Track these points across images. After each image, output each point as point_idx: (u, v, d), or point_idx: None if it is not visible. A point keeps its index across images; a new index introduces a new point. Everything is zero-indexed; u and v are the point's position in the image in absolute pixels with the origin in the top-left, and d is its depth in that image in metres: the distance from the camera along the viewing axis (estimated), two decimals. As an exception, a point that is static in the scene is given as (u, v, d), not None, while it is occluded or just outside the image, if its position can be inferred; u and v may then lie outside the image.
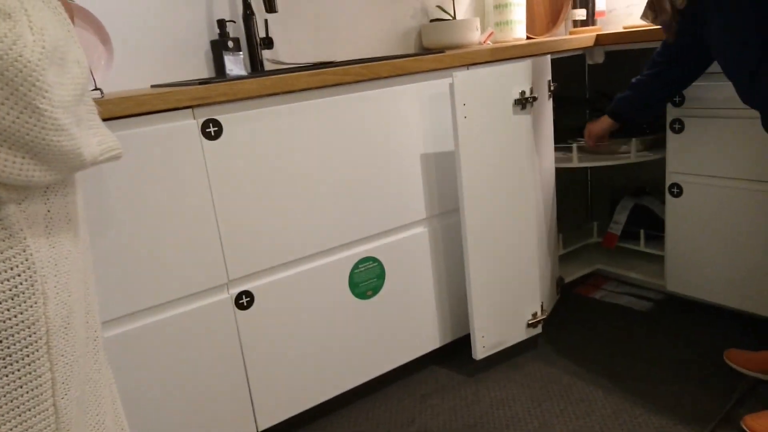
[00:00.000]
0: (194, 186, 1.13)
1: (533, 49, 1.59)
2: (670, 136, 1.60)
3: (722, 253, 1.56)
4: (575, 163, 1.79)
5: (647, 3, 1.32)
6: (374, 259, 1.40)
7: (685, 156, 1.58)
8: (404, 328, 1.48)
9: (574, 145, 1.80)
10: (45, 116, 0.51)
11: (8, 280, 0.53)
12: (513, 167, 1.46)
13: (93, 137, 0.61)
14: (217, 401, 1.22)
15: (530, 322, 1.58)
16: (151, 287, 1.11)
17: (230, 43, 1.49)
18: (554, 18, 2.11)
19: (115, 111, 1.01)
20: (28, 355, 0.55)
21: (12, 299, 0.54)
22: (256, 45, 1.56)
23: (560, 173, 2.17)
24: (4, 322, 0.53)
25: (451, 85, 1.32)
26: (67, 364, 0.59)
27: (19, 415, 0.55)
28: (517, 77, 1.42)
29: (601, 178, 2.28)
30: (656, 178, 2.04)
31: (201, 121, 1.11)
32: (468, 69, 1.47)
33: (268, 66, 1.65)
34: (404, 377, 1.56)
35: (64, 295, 0.59)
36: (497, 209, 1.45)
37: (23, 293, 0.54)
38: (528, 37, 2.03)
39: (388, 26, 1.87)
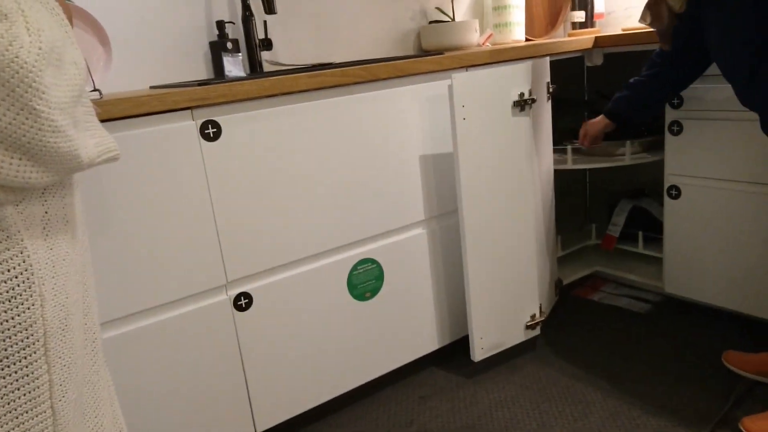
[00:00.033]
0: (193, 187, 1.12)
1: (532, 50, 1.59)
2: (669, 138, 1.60)
3: (720, 255, 1.56)
4: (569, 165, 1.79)
5: (645, 6, 1.33)
6: (373, 261, 1.40)
7: (684, 158, 1.58)
8: (403, 329, 1.48)
9: (569, 147, 1.80)
10: (42, 118, 0.51)
11: (5, 282, 0.53)
12: (512, 169, 1.46)
13: (90, 139, 0.60)
14: (216, 402, 1.22)
15: (529, 323, 1.58)
16: (149, 288, 1.11)
17: (229, 45, 1.49)
18: (553, 20, 2.12)
19: (114, 112, 1.01)
20: (25, 357, 0.55)
21: (9, 301, 0.53)
22: (255, 46, 1.56)
23: (559, 175, 2.17)
24: (1, 324, 0.53)
25: (450, 87, 1.32)
26: (64, 366, 0.59)
27: (17, 417, 0.55)
28: (516, 79, 1.42)
29: (599, 180, 2.28)
30: (655, 180, 2.05)
31: (200, 122, 1.11)
32: (467, 71, 1.47)
33: (267, 67, 1.65)
34: (403, 379, 1.56)
35: (62, 297, 0.59)
36: (496, 211, 1.45)
37: (20, 295, 0.54)
38: (527, 39, 2.03)
39: (387, 28, 1.87)
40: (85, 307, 0.66)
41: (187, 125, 1.10)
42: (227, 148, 1.15)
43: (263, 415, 1.29)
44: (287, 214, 1.25)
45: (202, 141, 1.12)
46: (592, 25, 2.07)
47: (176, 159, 1.10)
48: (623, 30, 1.89)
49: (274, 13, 1.50)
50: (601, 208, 2.28)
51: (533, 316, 1.59)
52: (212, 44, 1.52)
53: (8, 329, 0.54)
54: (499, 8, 1.87)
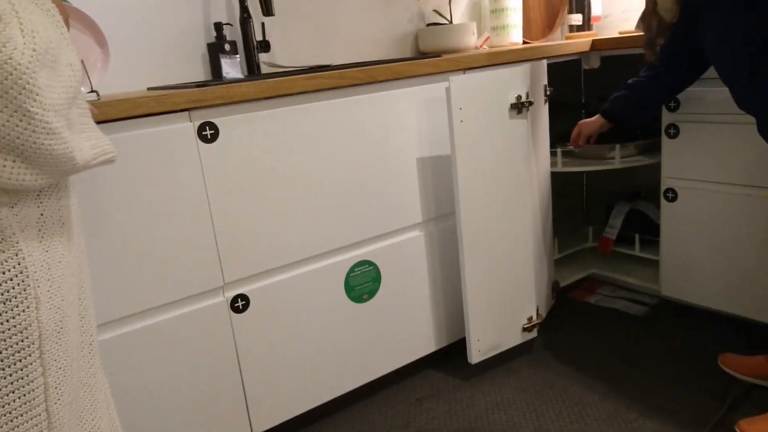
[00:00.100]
0: (190, 189, 1.12)
1: (529, 53, 1.60)
2: (665, 141, 1.61)
3: (717, 258, 1.57)
4: (559, 168, 1.79)
5: (641, 15, 1.33)
6: (370, 263, 1.40)
7: (680, 161, 1.59)
8: (400, 331, 1.48)
9: (559, 150, 1.80)
10: (36, 119, 0.51)
11: (0, 285, 0.53)
12: (509, 171, 1.46)
13: (86, 141, 0.60)
14: (213, 404, 1.22)
15: (525, 326, 1.58)
16: (146, 290, 1.10)
17: (227, 46, 1.49)
18: (550, 23, 2.12)
19: (112, 113, 1.00)
20: (20, 360, 0.55)
21: (4, 303, 0.53)
22: (253, 48, 1.56)
23: (556, 177, 2.17)
24: (-3, 326, 0.53)
25: (448, 90, 1.32)
26: (60, 368, 0.59)
27: (11, 421, 0.55)
28: (513, 82, 1.42)
29: (596, 183, 2.28)
30: (651, 182, 2.05)
31: (197, 123, 1.11)
32: (464, 73, 1.47)
33: (264, 69, 1.65)
34: (400, 381, 1.56)
35: (57, 300, 0.59)
36: (493, 213, 1.45)
37: (15, 297, 0.54)
38: (524, 42, 2.04)
39: (385, 30, 1.87)
40: (81, 310, 0.66)
41: (185, 127, 1.10)
42: (225, 149, 1.15)
43: (260, 416, 1.29)
44: (284, 216, 1.25)
45: (200, 142, 1.12)
46: (589, 28, 2.07)
47: (174, 160, 1.10)
48: (620, 33, 1.90)
49: (272, 15, 1.50)
50: (598, 210, 2.28)
51: (530, 319, 1.59)
52: (210, 46, 1.52)
53: (3, 332, 0.53)
54: (497, 11, 1.88)
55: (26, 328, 0.55)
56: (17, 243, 0.54)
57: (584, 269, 2.00)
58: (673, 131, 1.58)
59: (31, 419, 0.56)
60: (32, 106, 0.50)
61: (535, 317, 1.60)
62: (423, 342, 1.54)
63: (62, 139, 0.54)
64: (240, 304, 1.22)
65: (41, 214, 0.58)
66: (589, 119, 1.62)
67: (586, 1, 2.05)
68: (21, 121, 0.50)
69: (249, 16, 1.54)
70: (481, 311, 1.48)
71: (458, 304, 1.59)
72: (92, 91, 1.11)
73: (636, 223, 1.95)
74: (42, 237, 0.58)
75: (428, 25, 1.94)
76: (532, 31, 2.10)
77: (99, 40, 1.26)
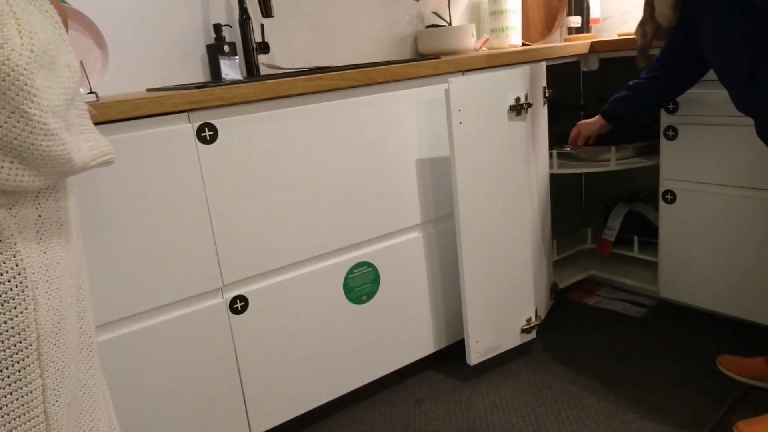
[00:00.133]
0: (189, 190, 1.12)
1: (528, 55, 1.60)
2: (664, 143, 1.61)
3: (715, 260, 1.57)
4: (555, 169, 1.79)
5: (639, 22, 1.34)
6: (369, 264, 1.40)
7: (679, 163, 1.59)
8: (399, 333, 1.48)
9: (554, 152, 1.80)
10: (33, 121, 0.51)
11: (-2, 286, 0.53)
12: (508, 173, 1.47)
13: (84, 142, 0.60)
14: (211, 405, 1.22)
15: (524, 327, 1.58)
16: (145, 291, 1.10)
17: (226, 48, 1.50)
18: (549, 25, 2.13)
19: (111, 114, 1.00)
20: (18, 362, 0.55)
21: (2, 305, 0.53)
22: (252, 49, 1.56)
23: (555, 179, 2.18)
24: (-5, 327, 0.53)
25: (447, 91, 1.33)
26: (58, 370, 0.59)
27: (9, 423, 0.55)
28: (512, 83, 1.42)
29: (595, 185, 2.28)
30: (650, 184, 2.05)
31: (196, 125, 1.11)
32: (463, 75, 1.47)
33: (263, 70, 1.65)
34: (398, 382, 1.56)
35: (56, 301, 0.59)
36: (492, 215, 1.46)
37: (13, 299, 0.54)
38: (523, 44, 2.04)
39: (384, 32, 1.87)
40: (80, 311, 0.66)
41: (184, 128, 1.10)
42: (224, 151, 1.15)
43: (258, 418, 1.29)
44: (283, 218, 1.25)
45: (199, 144, 1.12)
46: (588, 30, 2.08)
47: (173, 162, 1.10)
48: (619, 35, 1.90)
49: (272, 16, 1.50)
50: (597, 212, 2.28)
51: (529, 320, 1.59)
52: (209, 47, 1.52)
53: (1, 333, 0.53)
54: (496, 13, 1.88)
55: (24, 330, 0.55)
56: (15, 244, 0.54)
57: (583, 271, 2.01)
58: (672, 133, 1.59)
59: (29, 421, 0.56)
60: (30, 108, 0.50)
61: (533, 319, 1.60)
62: (422, 343, 1.54)
63: (60, 140, 0.54)
64: (239, 305, 1.22)
65: (39, 216, 0.58)
66: (588, 120, 1.62)
67: (584, 4, 2.06)
68: (18, 122, 0.50)
69: (248, 18, 1.54)
70: (479, 313, 1.48)
71: (457, 306, 1.59)
72: (91, 92, 1.11)
73: (635, 224, 1.95)
74: (40, 238, 0.58)
75: (427, 26, 1.94)
76: (531, 33, 2.10)
77: (98, 41, 1.26)
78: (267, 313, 1.26)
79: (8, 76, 0.48)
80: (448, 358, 1.65)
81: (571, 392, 1.44)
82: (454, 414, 1.41)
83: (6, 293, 0.53)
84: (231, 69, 1.50)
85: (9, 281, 0.54)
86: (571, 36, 2.03)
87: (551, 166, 1.80)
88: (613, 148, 1.72)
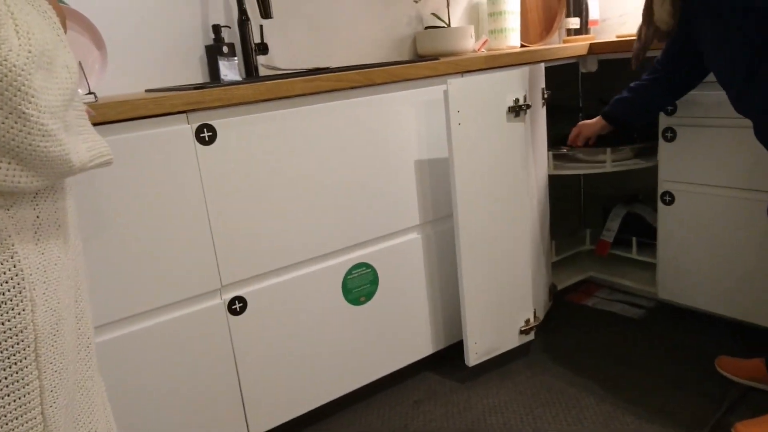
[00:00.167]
0: (188, 191, 1.12)
1: (527, 57, 1.60)
2: (663, 145, 1.61)
3: (713, 261, 1.57)
4: (550, 171, 1.79)
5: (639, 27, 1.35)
6: (368, 265, 1.40)
7: (677, 164, 1.59)
8: (397, 334, 1.48)
9: (550, 153, 1.80)
10: (31, 121, 0.51)
11: (-4, 287, 0.53)
12: (507, 174, 1.47)
13: (82, 143, 0.60)
14: (210, 406, 1.22)
15: (523, 328, 1.58)
16: (144, 292, 1.10)
17: (225, 49, 1.50)
18: (548, 26, 2.13)
19: (109, 115, 1.00)
20: (15, 363, 0.54)
21: None
22: (251, 50, 1.56)
23: (553, 180, 2.18)
24: (-8, 329, 0.53)
25: (446, 92, 1.33)
26: (55, 371, 0.59)
27: (6, 424, 0.55)
28: (511, 85, 1.42)
29: (594, 186, 2.29)
30: (648, 186, 2.06)
31: (195, 126, 1.11)
32: (462, 76, 1.47)
33: (262, 71, 1.65)
34: (397, 383, 1.56)
35: (53, 302, 0.58)
36: (491, 216, 1.46)
37: (11, 300, 0.54)
38: (522, 45, 2.04)
39: (383, 33, 1.88)
40: (78, 312, 0.66)
41: (183, 129, 1.10)
42: (223, 152, 1.15)
43: (256, 419, 1.28)
44: (282, 219, 1.25)
45: (198, 145, 1.12)
46: (587, 31, 2.08)
47: (171, 163, 1.10)
48: (617, 37, 1.91)
49: (270, 17, 1.50)
50: (596, 213, 2.29)
51: (527, 321, 1.59)
52: (208, 48, 1.52)
53: (-2, 334, 0.53)
54: (495, 14, 1.88)
55: (22, 331, 0.55)
56: (13, 245, 0.54)
57: (581, 272, 2.01)
58: (671, 134, 1.59)
59: (27, 422, 0.56)
60: (27, 108, 0.50)
61: (532, 320, 1.60)
62: (420, 344, 1.54)
63: (58, 141, 0.54)
64: (237, 306, 1.22)
65: (37, 217, 0.58)
66: (589, 120, 1.63)
67: (583, 5, 2.06)
68: (16, 123, 0.50)
69: (247, 19, 1.54)
70: (478, 314, 1.48)
71: (456, 307, 1.59)
72: (90, 93, 1.11)
73: (633, 226, 1.95)
74: (38, 239, 0.57)
75: (426, 28, 1.94)
76: (530, 35, 2.11)
77: (97, 41, 1.26)
78: (265, 314, 1.26)
79: (6, 76, 0.48)
80: (447, 359, 1.65)
81: (570, 393, 1.44)
82: (452, 415, 1.41)
83: (3, 294, 0.53)
84: (230, 70, 1.50)
85: (6, 282, 0.53)
86: (569, 37, 2.03)
87: (548, 167, 1.80)
88: (608, 150, 1.72)
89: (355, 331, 1.40)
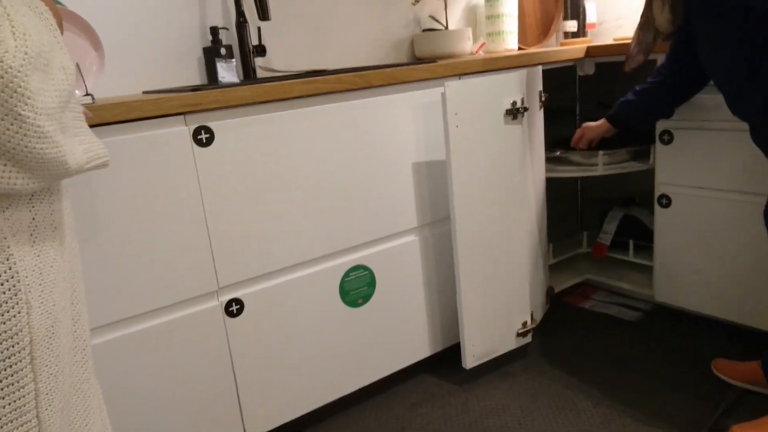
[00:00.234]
0: (185, 193, 1.12)
1: (525, 59, 1.60)
2: (660, 147, 1.62)
3: (710, 264, 1.57)
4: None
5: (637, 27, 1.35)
6: (365, 268, 1.40)
7: (674, 167, 1.59)
8: (394, 336, 1.48)
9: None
10: (27, 123, 0.50)
11: (-9, 289, 0.53)
12: (504, 177, 1.47)
13: (79, 145, 0.60)
14: (206, 409, 1.21)
15: (520, 331, 1.58)
16: (141, 294, 1.10)
17: (223, 50, 1.49)
18: (546, 29, 2.13)
19: (107, 117, 1.00)
20: (10, 366, 0.54)
21: (-5, 309, 0.53)
22: (249, 52, 1.56)
23: (550, 183, 2.18)
24: (-13, 331, 0.53)
25: (443, 95, 1.33)
26: (51, 374, 0.59)
27: (1, 428, 0.54)
28: (508, 87, 1.43)
29: (591, 189, 2.29)
30: (645, 188, 2.06)
31: (193, 127, 1.11)
32: (460, 79, 1.48)
33: (260, 73, 1.65)
34: (394, 385, 1.56)
35: (49, 305, 0.58)
36: (488, 218, 1.46)
37: (6, 302, 0.53)
38: (520, 48, 2.05)
39: (380, 35, 1.88)
40: (74, 314, 0.66)
41: (180, 130, 1.10)
42: (220, 153, 1.15)
43: (254, 421, 1.28)
44: (279, 221, 1.25)
45: (195, 146, 1.12)
46: (584, 34, 2.09)
47: (168, 164, 1.09)
48: (615, 40, 1.91)
49: (268, 19, 1.50)
50: (593, 216, 2.29)
51: (525, 324, 1.59)
52: (206, 50, 1.52)
53: (-6, 337, 0.53)
54: (492, 17, 1.89)
55: (17, 334, 0.54)
56: (8, 247, 0.54)
57: (578, 275, 2.01)
58: (667, 137, 1.59)
59: (22, 425, 0.56)
60: (24, 110, 0.50)
61: (529, 322, 1.60)
62: (417, 347, 1.54)
63: (54, 142, 0.54)
64: (234, 308, 1.21)
65: (33, 219, 0.58)
66: (593, 123, 1.63)
67: (581, 8, 2.07)
68: (12, 124, 0.50)
69: (245, 21, 1.54)
70: (475, 316, 1.48)
71: (453, 309, 1.59)
72: (87, 95, 1.11)
73: (630, 228, 1.96)
74: (34, 241, 0.57)
75: (424, 30, 1.94)
76: (528, 38, 2.11)
77: (94, 43, 1.25)
78: (262, 317, 1.25)
79: (2, 78, 0.48)
80: (444, 361, 1.65)
81: (567, 396, 1.44)
82: (449, 417, 1.41)
83: (-1, 297, 0.53)
84: (227, 72, 1.50)
85: (2, 284, 0.53)
86: (567, 40, 2.04)
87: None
88: (600, 153, 1.72)
89: (352, 333, 1.40)
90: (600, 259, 2.07)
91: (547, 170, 1.79)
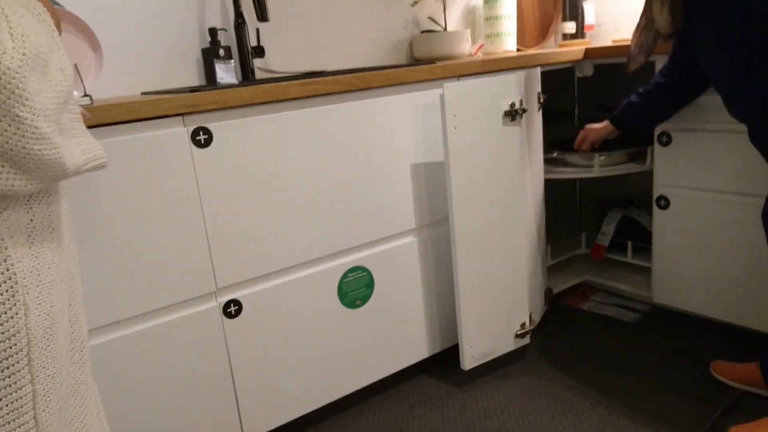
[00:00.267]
0: (184, 194, 1.12)
1: (523, 61, 1.61)
2: (658, 149, 1.62)
3: (708, 266, 1.58)
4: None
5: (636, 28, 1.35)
6: (363, 269, 1.40)
7: (673, 169, 1.60)
8: (393, 337, 1.48)
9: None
10: (25, 124, 0.50)
11: (-11, 291, 0.53)
12: (503, 178, 1.47)
13: (77, 146, 0.60)
14: (204, 410, 1.21)
15: (518, 332, 1.58)
16: (139, 295, 1.10)
17: (221, 52, 1.49)
18: (544, 31, 2.14)
19: (105, 118, 1.00)
20: (8, 368, 0.54)
21: (-8, 310, 0.53)
22: (248, 53, 1.56)
23: (549, 184, 2.18)
24: (-16, 333, 0.52)
25: (442, 96, 1.33)
26: (48, 376, 0.58)
27: (-2, 429, 0.54)
28: (507, 89, 1.43)
29: (589, 190, 2.29)
30: (644, 190, 2.06)
31: (191, 128, 1.11)
32: (458, 80, 1.48)
33: (259, 75, 1.65)
34: (392, 387, 1.56)
35: (47, 306, 0.58)
36: (487, 220, 1.46)
37: (3, 304, 0.53)
38: (518, 50, 2.05)
39: (379, 37, 1.88)
40: (71, 316, 0.66)
41: (179, 131, 1.10)
42: (218, 154, 1.15)
43: (252, 422, 1.28)
44: (278, 222, 1.25)
45: (194, 147, 1.12)
46: (583, 36, 2.09)
47: (167, 165, 1.09)
48: (613, 41, 1.92)
49: (267, 20, 1.50)
50: (591, 217, 2.29)
51: (523, 325, 1.59)
52: (204, 51, 1.52)
53: (-9, 338, 0.53)
54: (491, 19, 1.89)
55: (14, 335, 0.54)
56: (6, 249, 0.54)
57: (577, 276, 2.01)
58: (666, 139, 1.59)
59: (19, 427, 0.55)
60: (21, 111, 0.50)
61: (528, 324, 1.60)
62: (416, 348, 1.54)
63: (52, 144, 0.54)
64: (232, 309, 1.21)
65: (31, 220, 0.57)
66: (596, 125, 1.63)
67: (579, 10, 2.07)
68: (10, 126, 0.49)
69: (244, 22, 1.54)
70: (474, 318, 1.48)
71: (451, 311, 1.59)
72: (86, 96, 1.11)
73: (628, 230, 1.96)
74: (31, 243, 0.57)
75: (423, 32, 1.95)
76: (526, 39, 2.11)
77: (93, 44, 1.25)
78: (261, 318, 1.25)
79: None
80: (443, 362, 1.64)
81: (565, 397, 1.44)
82: (447, 419, 1.40)
83: (-4, 298, 0.53)
84: (226, 73, 1.50)
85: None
86: (565, 42, 2.04)
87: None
88: (596, 155, 1.72)
89: (351, 334, 1.40)
90: (598, 260, 2.07)
91: (545, 171, 1.80)
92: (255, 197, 1.20)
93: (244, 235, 1.20)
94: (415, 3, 1.92)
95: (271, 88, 1.17)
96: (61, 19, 0.79)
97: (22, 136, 0.51)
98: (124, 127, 1.04)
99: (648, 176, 1.74)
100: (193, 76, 1.55)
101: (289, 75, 1.62)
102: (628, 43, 1.72)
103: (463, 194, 1.40)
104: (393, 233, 1.44)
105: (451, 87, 1.33)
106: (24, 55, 0.50)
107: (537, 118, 1.63)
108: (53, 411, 0.59)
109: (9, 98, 0.49)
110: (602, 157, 1.73)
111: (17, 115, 0.49)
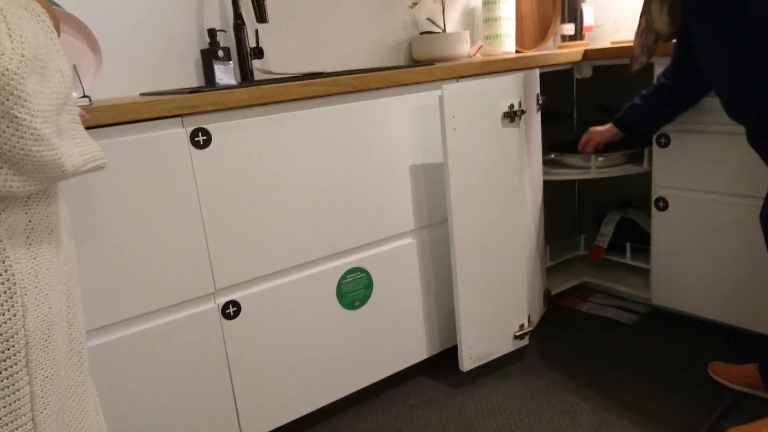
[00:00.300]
0: (182, 195, 1.12)
1: (522, 62, 1.61)
2: (657, 151, 1.62)
3: (707, 267, 1.58)
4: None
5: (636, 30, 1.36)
6: (362, 270, 1.40)
7: (671, 170, 1.60)
8: (392, 338, 1.48)
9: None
10: (24, 126, 0.50)
11: (-13, 292, 0.52)
12: (501, 179, 1.47)
13: (75, 147, 0.60)
14: (203, 411, 1.21)
15: (517, 333, 1.58)
16: (137, 296, 1.10)
17: (220, 53, 1.50)
18: (543, 32, 2.14)
19: (104, 119, 1.00)
20: (6, 369, 0.54)
21: (-10, 311, 0.53)
22: (247, 54, 1.56)
23: (548, 186, 2.19)
24: (-17, 334, 0.52)
25: (441, 98, 1.33)
26: (47, 377, 0.58)
27: (-4, 430, 0.54)
28: (506, 90, 1.43)
29: (588, 192, 2.30)
30: (642, 191, 2.07)
31: (190, 130, 1.11)
32: (457, 81, 1.48)
33: (258, 76, 1.65)
34: (391, 388, 1.56)
35: (45, 307, 0.58)
36: (485, 221, 1.46)
37: (2, 305, 0.53)
38: (517, 51, 2.05)
39: (378, 38, 1.88)
40: (70, 317, 0.66)
41: (177, 133, 1.10)
42: (217, 156, 1.15)
43: (250, 423, 1.28)
44: (277, 223, 1.25)
45: (192, 149, 1.12)
46: (582, 37, 2.09)
47: (166, 166, 1.09)
48: (612, 43, 1.92)
49: (266, 21, 1.50)
50: (590, 218, 2.29)
51: (522, 326, 1.59)
52: (203, 52, 1.52)
53: (-11, 339, 0.53)
54: (490, 20, 1.89)
55: (12, 337, 0.54)
56: (4, 250, 0.54)
57: (576, 277, 2.01)
58: (664, 140, 1.60)
59: (17, 429, 0.55)
60: (20, 112, 0.50)
61: (526, 325, 1.60)
62: (415, 349, 1.54)
63: (51, 145, 0.54)
64: (231, 310, 1.21)
65: (29, 221, 0.57)
66: (600, 127, 1.63)
67: (578, 12, 2.07)
68: (8, 127, 0.49)
69: (243, 23, 1.54)
70: (473, 319, 1.48)
71: (450, 312, 1.59)
72: (84, 96, 1.11)
73: (627, 231, 1.96)
74: (30, 244, 0.57)
75: (422, 33, 1.95)
76: (525, 41, 2.12)
77: (92, 45, 1.25)
78: (259, 319, 1.25)
79: None
80: (441, 364, 1.64)
81: (564, 398, 1.44)
82: (446, 420, 1.40)
83: (-6, 300, 0.53)
84: (225, 74, 1.50)
85: (-3, 287, 0.53)
86: (564, 43, 2.04)
87: None
88: (592, 156, 1.72)
89: (349, 335, 1.40)
90: (597, 261, 2.07)
91: (544, 173, 1.80)
92: (254, 198, 1.20)
93: (242, 237, 1.20)
94: (414, 4, 1.92)
95: (270, 89, 1.17)
96: (59, 20, 0.79)
97: (21, 137, 0.51)
98: (122, 128, 1.04)
99: (647, 178, 1.74)
100: (192, 77, 1.55)
101: (288, 76, 1.62)
102: (627, 44, 1.72)
103: (462, 195, 1.40)
104: (392, 234, 1.44)
105: (450, 88, 1.33)
106: (23, 56, 0.50)
107: (536, 119, 1.63)
108: (51, 412, 0.59)
109: (8, 99, 0.49)
110: (599, 159, 1.73)
111: (16, 116, 0.49)
